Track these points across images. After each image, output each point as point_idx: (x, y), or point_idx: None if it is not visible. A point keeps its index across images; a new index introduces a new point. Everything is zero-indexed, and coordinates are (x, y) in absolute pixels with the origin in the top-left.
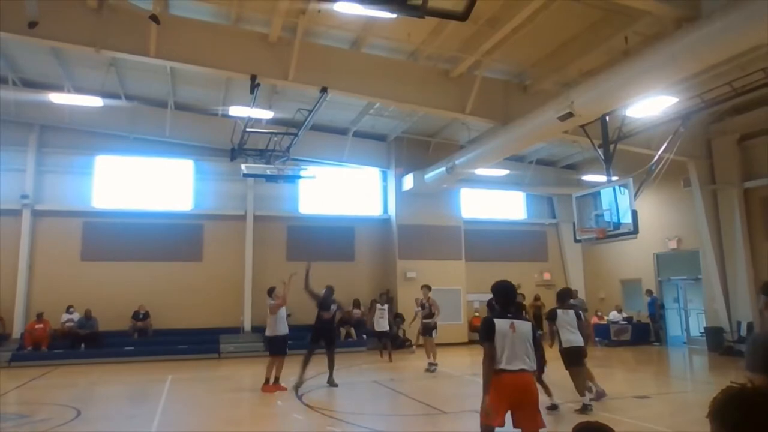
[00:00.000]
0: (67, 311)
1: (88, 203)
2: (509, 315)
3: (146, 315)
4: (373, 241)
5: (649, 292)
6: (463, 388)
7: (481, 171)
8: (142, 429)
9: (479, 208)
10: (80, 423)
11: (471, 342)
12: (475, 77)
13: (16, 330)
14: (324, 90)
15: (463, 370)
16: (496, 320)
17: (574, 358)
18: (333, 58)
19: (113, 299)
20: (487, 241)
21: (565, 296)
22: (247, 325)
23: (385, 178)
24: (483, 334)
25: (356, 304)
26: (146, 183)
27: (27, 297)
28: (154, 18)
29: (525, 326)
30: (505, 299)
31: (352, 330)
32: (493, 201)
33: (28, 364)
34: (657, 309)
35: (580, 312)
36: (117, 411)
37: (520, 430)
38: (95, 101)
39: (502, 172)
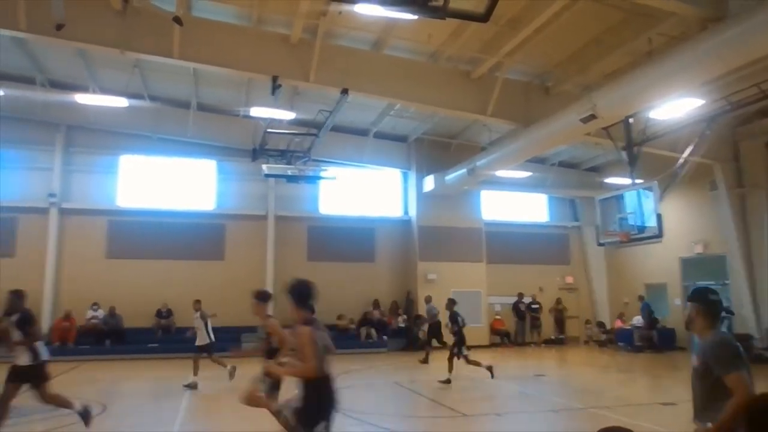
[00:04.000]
0: (92, 308)
1: (113, 202)
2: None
3: (169, 313)
4: (393, 242)
5: (641, 297)
6: (484, 391)
7: (502, 173)
8: (165, 425)
9: (501, 210)
10: (106, 417)
11: (492, 345)
12: (496, 78)
13: (44, 326)
14: (345, 91)
15: (483, 373)
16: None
17: None
18: (354, 59)
19: (137, 297)
20: (508, 244)
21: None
22: None
23: (405, 179)
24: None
25: (376, 305)
26: (170, 183)
27: (54, 293)
28: (177, 20)
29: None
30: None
31: (373, 331)
32: (514, 203)
33: (55, 359)
34: (648, 315)
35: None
36: (141, 407)
37: None
38: (120, 102)
39: (524, 174)
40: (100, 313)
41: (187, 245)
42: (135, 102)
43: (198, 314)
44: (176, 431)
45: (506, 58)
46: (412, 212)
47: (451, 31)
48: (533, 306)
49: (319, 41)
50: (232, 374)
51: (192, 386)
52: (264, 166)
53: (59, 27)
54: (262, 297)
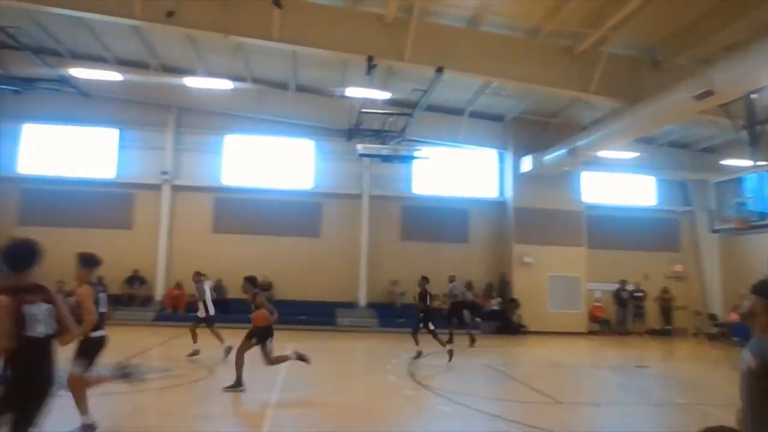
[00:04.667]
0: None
1: (218, 180)
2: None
3: (269, 286)
4: (488, 223)
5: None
6: (580, 380)
7: (605, 153)
8: (266, 392)
9: (603, 193)
10: (211, 380)
11: (591, 333)
12: (600, 54)
13: (158, 293)
14: (440, 70)
15: (580, 360)
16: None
17: None
18: (449, 37)
19: (240, 269)
20: (611, 228)
21: None
22: (362, 301)
23: (501, 160)
24: None
25: (469, 286)
26: (271, 161)
27: (167, 263)
28: (276, 3)
29: None
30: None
31: (466, 312)
32: (619, 185)
33: (168, 324)
34: None
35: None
36: (244, 374)
37: None
38: (225, 84)
39: (630, 154)
40: (208, 283)
41: (286, 222)
42: (239, 84)
43: (196, 286)
44: (275, 397)
45: (612, 32)
46: (508, 193)
47: (551, 5)
48: (636, 294)
49: (414, 19)
50: (227, 352)
51: (195, 353)
52: (359, 146)
53: (170, 14)
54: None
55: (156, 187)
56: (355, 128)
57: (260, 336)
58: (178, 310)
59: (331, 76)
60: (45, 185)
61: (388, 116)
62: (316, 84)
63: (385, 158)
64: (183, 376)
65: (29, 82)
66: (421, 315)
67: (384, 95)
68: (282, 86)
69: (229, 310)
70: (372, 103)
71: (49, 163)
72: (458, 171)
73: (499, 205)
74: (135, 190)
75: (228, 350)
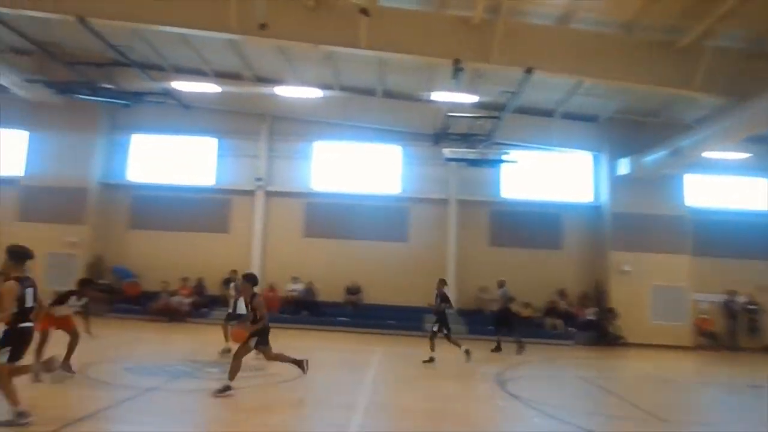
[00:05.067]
0: (292, 281)
1: (309, 185)
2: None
3: (358, 289)
4: (582, 229)
5: None
6: (686, 397)
7: (711, 154)
8: (355, 394)
9: (710, 196)
10: (302, 381)
11: (698, 347)
12: (704, 47)
13: None
14: (529, 70)
15: (685, 376)
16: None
17: None
18: (538, 36)
19: (330, 273)
20: (719, 235)
21: None
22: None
23: (596, 162)
24: None
25: (562, 294)
26: (359, 167)
27: (261, 266)
28: (364, 11)
29: None
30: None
31: (560, 322)
32: (727, 188)
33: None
34: None
35: None
36: (333, 375)
37: None
38: (315, 92)
39: (741, 155)
40: (299, 286)
41: (373, 226)
42: (328, 92)
43: (232, 285)
44: (362, 401)
45: (718, 23)
46: (604, 197)
47: None
48: (750, 307)
49: (501, 20)
50: (225, 352)
51: (226, 351)
52: (446, 150)
53: (263, 27)
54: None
55: (250, 193)
56: (441, 132)
57: (261, 336)
58: (272, 312)
59: (418, 81)
60: (151, 192)
61: (476, 119)
62: (403, 89)
63: (473, 162)
64: (275, 375)
65: (137, 96)
66: (437, 318)
67: (471, 98)
68: (369, 92)
69: (319, 313)
70: (459, 106)
71: (155, 171)
72: (550, 174)
73: (594, 210)
74: (231, 196)
75: (225, 351)
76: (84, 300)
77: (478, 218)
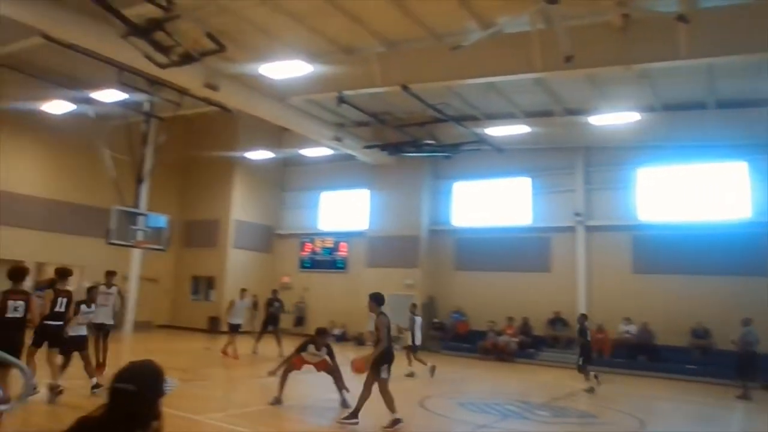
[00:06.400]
0: (624, 322)
1: (634, 216)
2: None
3: (706, 332)
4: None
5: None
6: None
7: None
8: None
9: None
10: None
11: None
12: None
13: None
14: None
15: None
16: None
17: None
18: None
19: (668, 313)
20: None
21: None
22: None
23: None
24: None
25: None
26: (694, 191)
27: (587, 306)
28: (681, 18)
29: None
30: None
31: None
32: None
33: (594, 369)
34: None
35: None
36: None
37: None
38: (632, 116)
39: None
40: (632, 327)
41: (721, 259)
42: (646, 113)
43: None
44: None
45: None
46: None
47: None
48: None
49: None
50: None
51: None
52: None
53: (568, 59)
54: None
55: (570, 230)
56: None
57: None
58: (602, 355)
59: (760, 83)
60: (473, 234)
61: None
62: (742, 95)
63: None
64: (610, 424)
65: (455, 147)
66: (581, 351)
67: None
68: (698, 106)
69: (659, 359)
70: None
71: (475, 214)
72: None
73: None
74: (551, 234)
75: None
76: (324, 349)
77: None
